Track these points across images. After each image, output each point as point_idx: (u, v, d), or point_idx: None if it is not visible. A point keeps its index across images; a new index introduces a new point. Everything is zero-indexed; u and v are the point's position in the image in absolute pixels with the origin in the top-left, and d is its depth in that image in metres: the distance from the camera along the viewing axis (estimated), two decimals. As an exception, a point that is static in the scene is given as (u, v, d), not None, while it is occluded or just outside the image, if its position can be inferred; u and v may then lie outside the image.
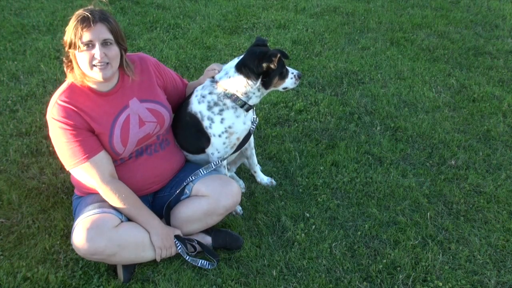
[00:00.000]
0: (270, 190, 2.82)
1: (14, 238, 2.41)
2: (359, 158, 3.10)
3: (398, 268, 2.31)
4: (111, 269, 2.26)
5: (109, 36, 2.01)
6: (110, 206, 2.16)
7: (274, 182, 2.87)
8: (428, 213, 2.65)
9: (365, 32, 5.08)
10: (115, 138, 2.14)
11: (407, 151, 3.19)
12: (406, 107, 3.71)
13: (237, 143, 2.49)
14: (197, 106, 2.38)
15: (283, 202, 2.72)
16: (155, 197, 2.41)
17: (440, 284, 2.22)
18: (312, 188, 2.84)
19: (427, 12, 5.63)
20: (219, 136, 2.37)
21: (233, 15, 5.41)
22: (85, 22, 1.95)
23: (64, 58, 2.08)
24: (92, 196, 2.21)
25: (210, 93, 2.36)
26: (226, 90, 2.33)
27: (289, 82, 2.45)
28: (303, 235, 2.48)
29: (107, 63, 2.02)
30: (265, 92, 2.42)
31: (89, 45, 1.98)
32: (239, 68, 2.33)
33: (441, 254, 2.40)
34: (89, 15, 1.96)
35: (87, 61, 1.99)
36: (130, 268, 2.22)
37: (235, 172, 2.93)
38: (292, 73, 2.45)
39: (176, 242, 2.22)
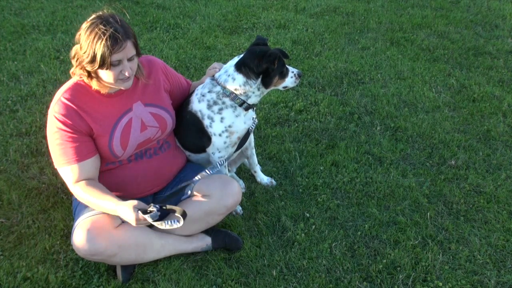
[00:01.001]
0: (270, 190, 2.82)
1: (14, 238, 2.41)
2: (359, 158, 3.10)
3: (398, 268, 2.31)
4: (111, 269, 2.26)
5: (134, 52, 1.99)
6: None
7: (274, 182, 2.87)
8: (428, 213, 2.65)
9: (365, 32, 5.08)
10: (114, 141, 2.13)
11: (407, 151, 3.19)
12: (406, 107, 3.71)
13: (238, 142, 2.49)
14: (197, 105, 2.38)
15: (283, 202, 2.72)
16: (155, 197, 2.40)
17: (440, 284, 2.22)
18: (312, 188, 2.84)
19: (427, 12, 5.63)
20: (220, 135, 2.37)
21: (233, 15, 5.41)
22: (116, 44, 1.88)
23: (79, 68, 1.99)
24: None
25: (210, 91, 2.36)
26: (225, 88, 2.34)
27: (289, 81, 2.45)
28: (303, 235, 2.48)
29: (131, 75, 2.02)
30: (265, 91, 2.42)
31: (117, 63, 1.95)
32: (239, 67, 2.33)
33: (441, 254, 2.40)
34: (118, 34, 1.89)
35: (112, 77, 1.97)
36: (129, 269, 2.22)
37: (235, 172, 2.93)
38: (292, 72, 2.45)
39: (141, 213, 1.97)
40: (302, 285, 2.22)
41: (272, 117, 3.53)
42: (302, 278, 2.26)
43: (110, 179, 2.21)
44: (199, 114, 2.37)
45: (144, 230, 2.19)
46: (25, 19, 5.03)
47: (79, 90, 2.07)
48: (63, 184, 2.75)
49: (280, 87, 2.46)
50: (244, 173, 3.00)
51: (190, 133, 2.43)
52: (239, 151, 2.60)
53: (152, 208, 1.91)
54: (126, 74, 1.98)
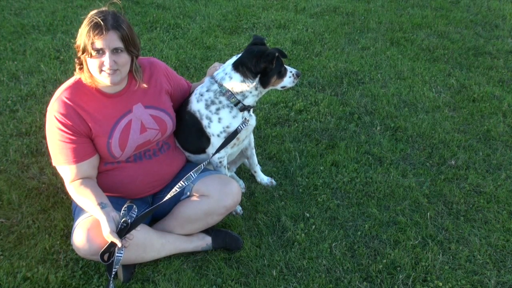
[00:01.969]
0: (270, 190, 2.82)
1: (14, 238, 2.41)
2: (359, 158, 3.10)
3: (398, 268, 2.31)
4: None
5: (119, 44, 1.98)
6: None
7: (274, 182, 2.87)
8: (428, 213, 2.65)
9: (365, 32, 5.08)
10: (113, 142, 2.13)
11: (407, 151, 3.19)
12: (406, 107, 3.71)
13: (237, 142, 2.49)
14: (196, 104, 2.38)
15: (283, 202, 2.72)
16: (155, 197, 2.40)
17: (440, 284, 2.22)
18: (312, 188, 2.84)
19: (427, 12, 5.63)
20: (218, 136, 2.37)
21: (233, 15, 5.41)
22: (97, 29, 1.92)
23: (76, 59, 2.06)
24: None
25: (208, 90, 2.36)
26: (222, 86, 2.33)
27: (288, 81, 2.45)
28: (303, 235, 2.48)
29: (116, 69, 2.01)
30: (263, 91, 2.41)
31: (100, 52, 1.96)
32: (237, 66, 2.32)
33: (441, 254, 2.40)
34: (101, 22, 1.92)
35: (96, 67, 1.98)
36: (130, 268, 2.22)
37: (235, 172, 2.93)
38: (291, 71, 2.45)
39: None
40: (302, 285, 2.22)
41: (272, 117, 3.53)
42: (302, 278, 2.26)
43: (110, 179, 2.21)
44: (197, 114, 2.37)
45: (144, 229, 2.18)
46: (25, 19, 5.03)
47: (79, 89, 2.08)
48: (63, 184, 2.75)
49: (278, 87, 2.46)
50: (244, 173, 3.00)
51: (190, 133, 2.43)
52: (239, 151, 2.59)
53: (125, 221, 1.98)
54: (108, 65, 1.97)
